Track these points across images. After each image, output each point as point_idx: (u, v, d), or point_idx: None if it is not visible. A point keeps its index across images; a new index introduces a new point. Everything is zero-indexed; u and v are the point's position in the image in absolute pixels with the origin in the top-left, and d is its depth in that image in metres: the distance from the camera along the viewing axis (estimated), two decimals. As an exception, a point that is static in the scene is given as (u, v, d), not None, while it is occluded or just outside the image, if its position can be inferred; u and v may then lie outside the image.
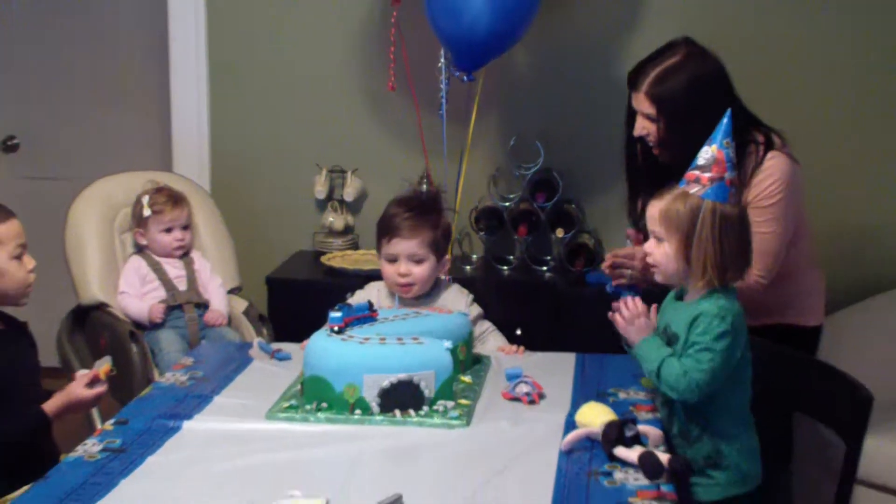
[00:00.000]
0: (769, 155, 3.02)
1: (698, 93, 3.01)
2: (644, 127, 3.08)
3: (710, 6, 4.08)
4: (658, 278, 2.58)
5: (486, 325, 3.23)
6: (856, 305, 3.95)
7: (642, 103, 3.06)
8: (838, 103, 4.10)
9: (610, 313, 2.61)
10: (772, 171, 3.01)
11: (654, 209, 2.52)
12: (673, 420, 2.56)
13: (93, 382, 2.70)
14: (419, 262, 3.09)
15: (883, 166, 4.13)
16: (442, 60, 3.94)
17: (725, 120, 2.52)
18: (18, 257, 2.69)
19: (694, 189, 2.48)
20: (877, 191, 4.16)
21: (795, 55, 4.09)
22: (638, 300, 2.58)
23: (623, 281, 3.01)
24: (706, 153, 2.50)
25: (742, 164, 2.99)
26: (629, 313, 2.55)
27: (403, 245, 3.07)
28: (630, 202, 3.30)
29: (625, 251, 3.08)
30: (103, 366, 2.73)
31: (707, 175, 2.49)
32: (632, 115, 3.14)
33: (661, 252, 2.51)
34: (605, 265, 3.12)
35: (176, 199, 3.78)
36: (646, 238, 3.19)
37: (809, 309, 3.24)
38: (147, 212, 3.73)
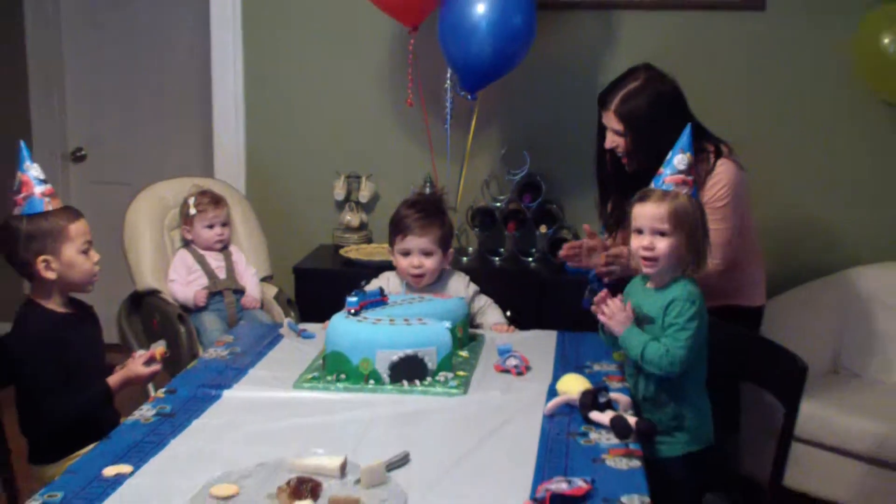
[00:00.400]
0: (719, 162, 3.03)
1: (659, 110, 3.01)
2: (613, 140, 3.08)
3: (667, 43, 4.07)
4: (651, 269, 2.51)
5: (485, 300, 3.25)
6: (795, 289, 3.95)
7: (611, 120, 3.06)
8: (783, 118, 4.11)
9: (593, 307, 2.57)
10: (721, 176, 3.02)
11: (661, 209, 2.46)
12: (642, 389, 2.55)
13: (149, 361, 2.71)
14: (429, 255, 3.10)
15: (820, 171, 4.13)
16: (448, 82, 3.93)
17: (688, 130, 2.53)
18: (85, 252, 2.69)
19: (684, 190, 2.48)
20: (814, 192, 4.15)
21: (743, 80, 4.09)
22: (619, 298, 2.53)
23: (610, 277, 2.99)
24: (683, 160, 2.50)
25: (697, 170, 3.00)
26: (611, 310, 2.51)
27: (416, 241, 3.09)
28: (601, 205, 3.30)
29: (615, 251, 3.05)
30: (158, 348, 2.74)
31: (690, 178, 2.50)
32: (602, 130, 3.14)
33: (668, 245, 2.46)
34: (600, 264, 3.08)
35: (217, 200, 3.78)
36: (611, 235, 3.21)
37: (753, 292, 3.25)
38: (192, 211, 3.73)
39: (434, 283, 3.16)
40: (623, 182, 3.08)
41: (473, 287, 3.24)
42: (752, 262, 3.22)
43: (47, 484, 2.00)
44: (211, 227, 3.75)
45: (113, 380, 2.69)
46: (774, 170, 4.06)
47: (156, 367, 2.71)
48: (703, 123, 3.10)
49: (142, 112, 5.24)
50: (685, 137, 2.52)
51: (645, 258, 2.49)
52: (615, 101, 3.04)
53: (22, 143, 2.69)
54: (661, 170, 2.53)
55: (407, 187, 4.11)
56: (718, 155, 3.04)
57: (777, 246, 4.02)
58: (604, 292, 2.57)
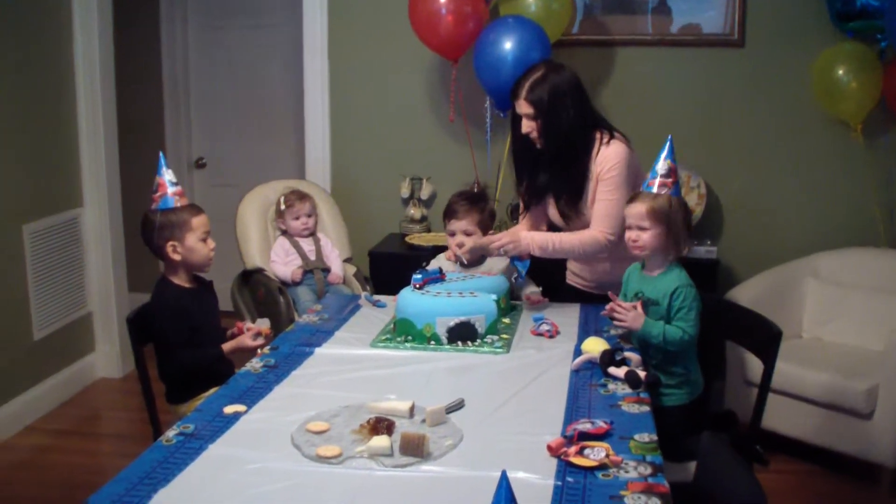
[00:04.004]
0: (612, 142, 2.81)
1: (559, 94, 2.79)
2: (528, 125, 2.84)
3: (660, 74, 4.00)
4: (639, 252, 2.46)
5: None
6: (767, 271, 3.81)
7: (523, 107, 2.83)
8: (758, 130, 4.00)
9: (604, 312, 2.50)
10: (611, 153, 2.79)
11: (641, 207, 2.41)
12: (653, 358, 2.47)
13: (255, 336, 2.69)
14: (469, 235, 3.00)
15: (789, 175, 4.03)
16: (487, 103, 3.90)
17: (668, 143, 2.46)
18: (204, 240, 2.70)
19: (664, 191, 2.42)
20: (786, 193, 4.04)
21: (726, 103, 4.00)
22: (635, 303, 2.44)
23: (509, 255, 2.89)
24: (664, 165, 2.44)
25: (590, 149, 2.82)
26: (623, 313, 2.42)
27: (459, 224, 3.00)
28: (517, 185, 3.07)
29: (503, 241, 2.87)
30: (264, 326, 2.72)
31: (670, 180, 2.44)
32: (516, 119, 2.90)
33: (649, 237, 2.42)
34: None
35: (302, 196, 3.79)
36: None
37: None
38: (283, 206, 3.77)
39: (476, 259, 3.05)
40: (535, 163, 2.91)
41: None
42: None
43: (181, 418, 2.02)
44: (297, 217, 3.76)
45: (226, 346, 2.70)
46: (754, 176, 3.98)
47: (261, 340, 2.69)
48: (600, 112, 2.94)
49: (249, 129, 5.26)
50: (668, 147, 2.45)
51: (634, 247, 2.46)
52: (524, 90, 2.82)
53: (161, 154, 2.72)
54: (646, 175, 2.48)
55: (459, 186, 4.06)
56: (611, 137, 2.83)
57: (754, 237, 3.95)
58: (612, 303, 2.47)
